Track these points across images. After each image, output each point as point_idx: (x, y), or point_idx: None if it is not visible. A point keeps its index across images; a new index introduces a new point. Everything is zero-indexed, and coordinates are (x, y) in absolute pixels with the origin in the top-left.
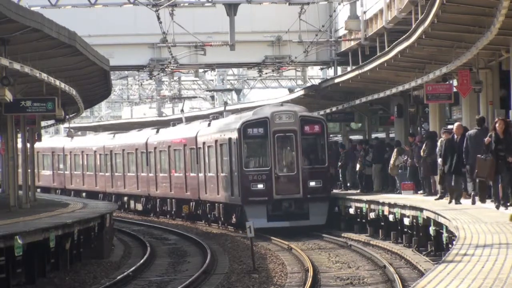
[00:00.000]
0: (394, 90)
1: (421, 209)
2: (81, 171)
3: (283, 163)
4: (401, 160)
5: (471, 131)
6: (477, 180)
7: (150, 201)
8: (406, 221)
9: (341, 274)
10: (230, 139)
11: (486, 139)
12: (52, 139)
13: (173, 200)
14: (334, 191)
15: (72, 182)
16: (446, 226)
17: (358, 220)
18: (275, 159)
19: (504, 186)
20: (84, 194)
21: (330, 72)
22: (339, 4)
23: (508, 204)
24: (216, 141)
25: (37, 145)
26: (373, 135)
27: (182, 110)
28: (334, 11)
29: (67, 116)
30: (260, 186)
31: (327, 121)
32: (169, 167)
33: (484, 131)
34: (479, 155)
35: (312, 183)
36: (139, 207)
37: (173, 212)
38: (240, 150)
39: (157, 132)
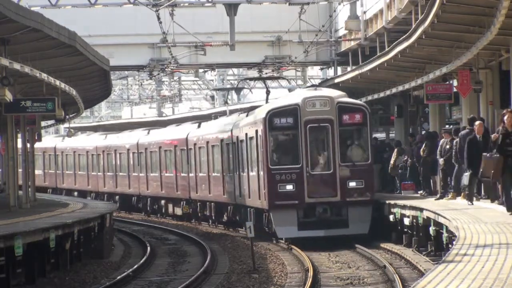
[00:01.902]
0: (394, 90)
1: (421, 209)
2: (113, 172)
3: (316, 160)
4: (401, 160)
5: (463, 131)
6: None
7: (191, 204)
8: (406, 221)
9: (341, 274)
10: (256, 131)
11: (494, 135)
12: (85, 138)
13: (212, 204)
14: None
15: (105, 185)
16: (446, 226)
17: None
18: (307, 154)
19: (506, 187)
20: (117, 197)
21: (330, 72)
22: (339, 4)
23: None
24: (246, 134)
25: (67, 144)
26: (373, 135)
27: (226, 102)
28: (334, 11)
29: (67, 116)
30: (289, 187)
31: None
32: (207, 166)
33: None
34: (484, 153)
35: (352, 184)
36: (178, 211)
37: (213, 217)
38: (266, 144)
39: (199, 126)
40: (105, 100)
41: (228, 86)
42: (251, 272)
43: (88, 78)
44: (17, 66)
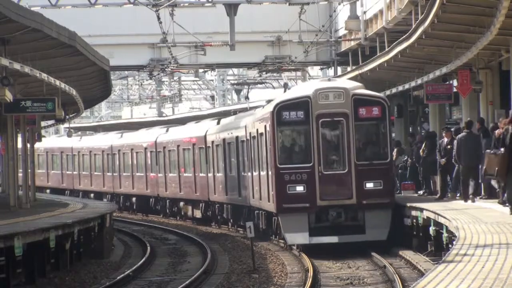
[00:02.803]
0: (394, 90)
1: (421, 209)
2: (130, 173)
3: (330, 158)
4: (401, 160)
5: (461, 134)
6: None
7: (210, 207)
8: (406, 221)
9: (341, 274)
10: (265, 127)
11: (497, 131)
12: (102, 136)
13: (229, 206)
14: None
15: (121, 186)
16: (446, 226)
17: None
18: (319, 152)
19: (509, 188)
20: (134, 198)
21: (330, 72)
22: (339, 4)
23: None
24: (257, 130)
25: (84, 144)
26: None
27: (247, 97)
28: (334, 11)
29: (67, 116)
30: (300, 188)
31: None
32: (224, 166)
33: (471, 134)
34: (488, 150)
35: (370, 185)
36: (198, 214)
37: (231, 220)
38: (273, 141)
39: (218, 123)
40: (105, 100)
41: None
42: (251, 272)
43: (88, 78)
44: (17, 66)
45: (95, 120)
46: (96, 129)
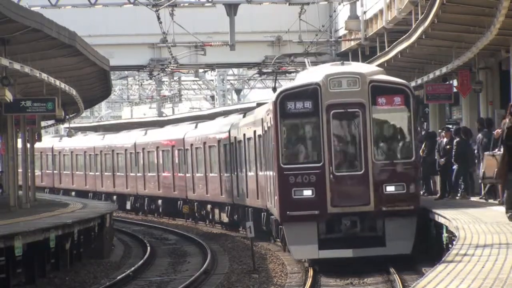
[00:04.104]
0: None
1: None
2: (155, 173)
3: (343, 156)
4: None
5: (458, 140)
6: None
7: (235, 210)
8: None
9: (341, 274)
10: (270, 119)
11: (496, 131)
12: (127, 134)
13: (250, 209)
14: None
15: (145, 187)
16: (446, 226)
17: None
18: (330, 149)
19: (508, 189)
20: (160, 201)
21: None
22: (339, 4)
23: None
24: (267, 124)
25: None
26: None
27: (274, 89)
28: (334, 11)
29: (67, 116)
30: (307, 192)
31: None
32: (245, 164)
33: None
34: (486, 152)
35: (391, 188)
36: (224, 217)
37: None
38: (277, 136)
39: (244, 116)
40: (105, 100)
41: (228, 86)
42: (251, 272)
43: (88, 78)
44: (17, 66)
45: (95, 120)
46: (96, 129)
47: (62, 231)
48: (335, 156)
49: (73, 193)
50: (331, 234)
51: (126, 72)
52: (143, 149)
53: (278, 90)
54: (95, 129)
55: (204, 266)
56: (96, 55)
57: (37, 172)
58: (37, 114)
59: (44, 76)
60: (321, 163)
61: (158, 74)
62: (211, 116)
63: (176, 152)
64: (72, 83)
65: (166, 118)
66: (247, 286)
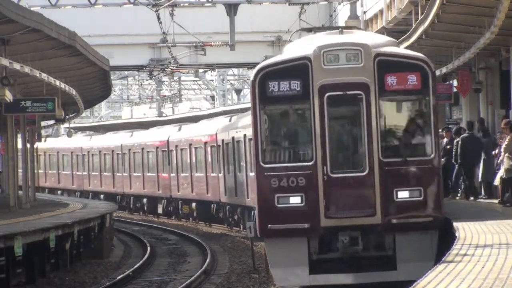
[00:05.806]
0: None
1: None
2: (189, 173)
3: (341, 153)
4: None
5: (463, 135)
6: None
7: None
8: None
9: None
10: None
11: (498, 135)
12: (156, 131)
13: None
14: None
15: (179, 190)
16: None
17: None
18: (324, 144)
19: None
20: (193, 204)
21: None
22: (339, 4)
23: None
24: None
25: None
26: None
27: None
28: (334, 11)
29: (67, 116)
30: (295, 200)
31: None
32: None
33: (473, 136)
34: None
35: (403, 194)
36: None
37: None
38: (256, 126)
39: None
40: (105, 100)
41: (228, 86)
42: (251, 272)
43: (88, 78)
44: (17, 66)
45: (95, 120)
46: (96, 129)
47: (62, 231)
48: (330, 153)
49: (102, 196)
50: (325, 253)
51: (126, 72)
52: (176, 146)
53: (258, 67)
54: (95, 129)
55: (204, 266)
56: (96, 55)
57: (67, 172)
58: (37, 114)
59: (44, 76)
60: (313, 162)
61: (158, 74)
62: (217, 116)
63: (208, 149)
64: (72, 83)
65: (166, 118)
66: (247, 286)
